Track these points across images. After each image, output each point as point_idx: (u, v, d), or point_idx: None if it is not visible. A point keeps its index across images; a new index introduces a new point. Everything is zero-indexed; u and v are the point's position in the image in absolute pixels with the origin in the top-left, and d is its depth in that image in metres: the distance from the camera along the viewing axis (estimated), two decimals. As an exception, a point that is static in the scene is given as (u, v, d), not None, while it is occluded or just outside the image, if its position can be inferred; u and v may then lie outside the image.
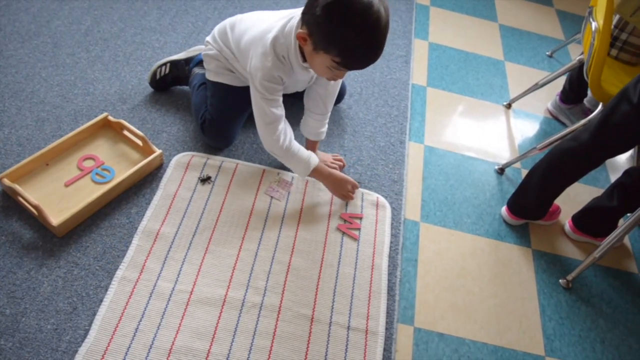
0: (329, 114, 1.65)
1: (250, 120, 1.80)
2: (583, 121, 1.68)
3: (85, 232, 1.43)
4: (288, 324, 1.33)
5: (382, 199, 1.66)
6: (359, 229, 1.57)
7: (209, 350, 1.25)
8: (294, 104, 1.78)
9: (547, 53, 2.57)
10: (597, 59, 1.53)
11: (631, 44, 1.72)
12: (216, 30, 1.62)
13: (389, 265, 1.51)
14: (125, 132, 1.64)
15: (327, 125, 1.67)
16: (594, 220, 1.69)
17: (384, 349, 1.33)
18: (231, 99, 1.64)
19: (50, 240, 1.39)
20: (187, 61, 1.81)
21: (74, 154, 1.58)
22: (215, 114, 1.63)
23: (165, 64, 1.80)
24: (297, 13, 1.32)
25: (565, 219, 1.77)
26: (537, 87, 2.09)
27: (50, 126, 1.67)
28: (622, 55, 1.77)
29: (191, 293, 1.34)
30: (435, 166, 1.88)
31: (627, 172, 1.61)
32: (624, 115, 1.35)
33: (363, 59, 1.25)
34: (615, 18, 1.73)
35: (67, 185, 1.50)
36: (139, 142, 1.61)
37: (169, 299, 1.32)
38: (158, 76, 1.80)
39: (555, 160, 1.55)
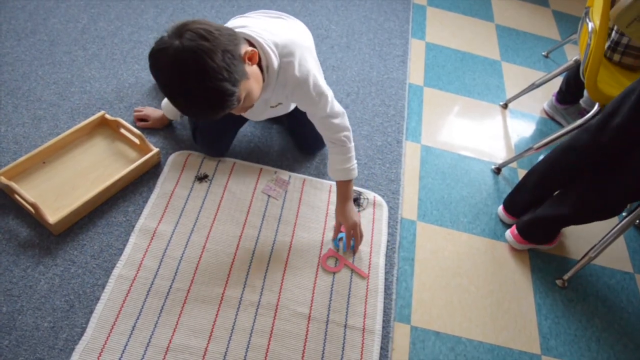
0: (336, 144, 1.41)
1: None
2: (579, 121, 1.69)
3: (82, 230, 1.42)
4: (285, 322, 1.33)
5: (379, 198, 1.67)
6: (356, 228, 1.57)
7: (206, 348, 1.25)
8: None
9: (544, 53, 2.58)
10: (593, 60, 1.54)
11: (633, 47, 1.72)
12: None
13: (385, 264, 1.51)
14: (122, 131, 1.64)
15: (349, 162, 1.43)
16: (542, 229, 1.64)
17: (381, 348, 1.34)
18: None
19: (47, 238, 1.39)
20: None
21: (70, 152, 1.58)
22: (205, 125, 1.59)
23: None
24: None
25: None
26: (533, 87, 2.09)
27: (47, 124, 1.66)
28: (625, 60, 1.76)
29: (188, 291, 1.34)
30: (432, 165, 1.88)
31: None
32: (625, 118, 1.34)
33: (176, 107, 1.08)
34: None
35: None
36: (136, 141, 1.61)
37: (166, 297, 1.32)
38: None
39: (555, 159, 1.55)
